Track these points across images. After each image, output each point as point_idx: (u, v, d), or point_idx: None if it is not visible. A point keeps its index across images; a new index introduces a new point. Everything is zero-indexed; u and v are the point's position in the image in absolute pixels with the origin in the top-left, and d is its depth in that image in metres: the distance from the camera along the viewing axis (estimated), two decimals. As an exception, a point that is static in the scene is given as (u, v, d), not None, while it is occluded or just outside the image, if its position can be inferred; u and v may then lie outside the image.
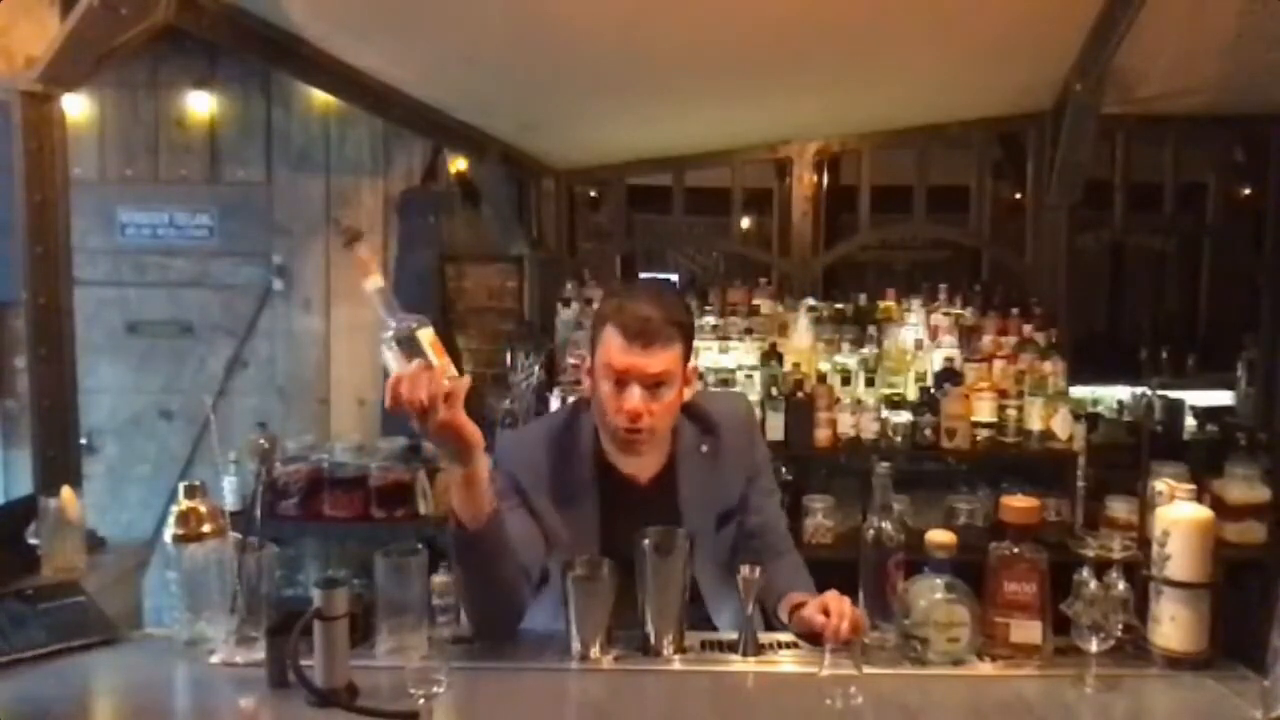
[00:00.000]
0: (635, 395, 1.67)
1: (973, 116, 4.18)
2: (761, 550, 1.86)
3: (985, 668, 1.63)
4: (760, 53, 3.09)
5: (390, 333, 1.39)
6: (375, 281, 1.42)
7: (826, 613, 1.60)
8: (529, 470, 1.78)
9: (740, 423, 1.91)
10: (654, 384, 1.68)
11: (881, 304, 4.01)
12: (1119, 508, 3.21)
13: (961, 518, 3.31)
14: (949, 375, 3.54)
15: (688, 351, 1.75)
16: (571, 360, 3.58)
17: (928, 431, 3.41)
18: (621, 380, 1.67)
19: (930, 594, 1.64)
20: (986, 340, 3.68)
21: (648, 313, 1.67)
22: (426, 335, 1.40)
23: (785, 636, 1.77)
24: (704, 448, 1.84)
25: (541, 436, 1.85)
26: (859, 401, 3.49)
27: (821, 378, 3.56)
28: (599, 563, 1.71)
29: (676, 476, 1.82)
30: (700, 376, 1.84)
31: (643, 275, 5.61)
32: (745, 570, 1.68)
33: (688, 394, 1.78)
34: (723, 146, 4.42)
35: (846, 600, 1.63)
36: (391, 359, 1.39)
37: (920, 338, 3.76)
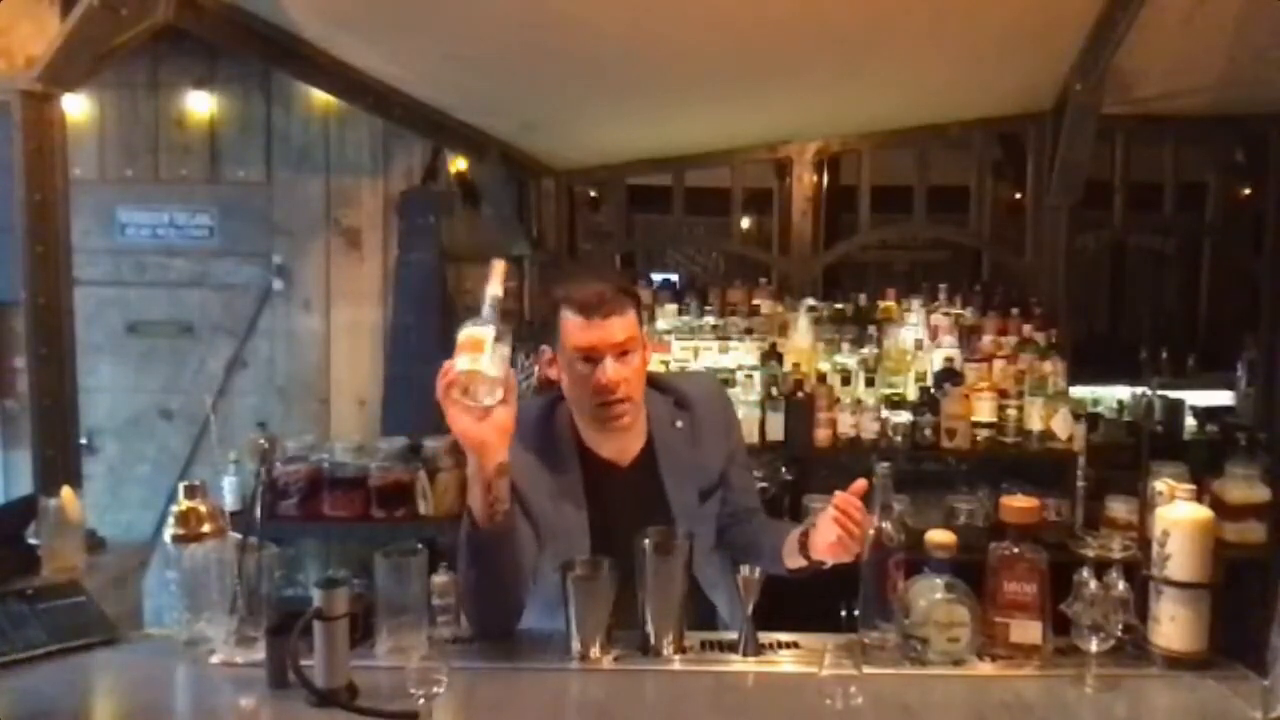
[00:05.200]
0: (609, 367, 1.70)
1: (973, 116, 4.18)
2: (750, 523, 1.91)
3: (985, 668, 1.63)
4: (760, 53, 3.09)
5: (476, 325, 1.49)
6: (496, 289, 1.54)
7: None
8: (519, 465, 1.73)
9: (713, 398, 1.96)
10: (621, 352, 1.71)
11: (881, 304, 4.01)
12: (1119, 508, 3.21)
13: (961, 518, 3.31)
14: (949, 375, 3.54)
15: (640, 317, 1.80)
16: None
17: (928, 431, 3.41)
18: (591, 358, 1.70)
19: (930, 594, 1.64)
20: (986, 340, 3.68)
21: (597, 286, 1.72)
22: (504, 350, 1.49)
23: (785, 636, 1.77)
24: (679, 423, 1.87)
25: (523, 432, 1.78)
26: (859, 401, 3.49)
27: (821, 378, 3.56)
28: (599, 563, 1.71)
29: (656, 455, 1.85)
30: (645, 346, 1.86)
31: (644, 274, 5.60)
32: (745, 570, 1.68)
33: (648, 356, 1.83)
34: (723, 146, 4.42)
35: (851, 504, 1.62)
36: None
37: (920, 338, 3.76)
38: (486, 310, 1.51)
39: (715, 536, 1.91)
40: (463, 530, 1.62)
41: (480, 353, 1.47)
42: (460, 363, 1.46)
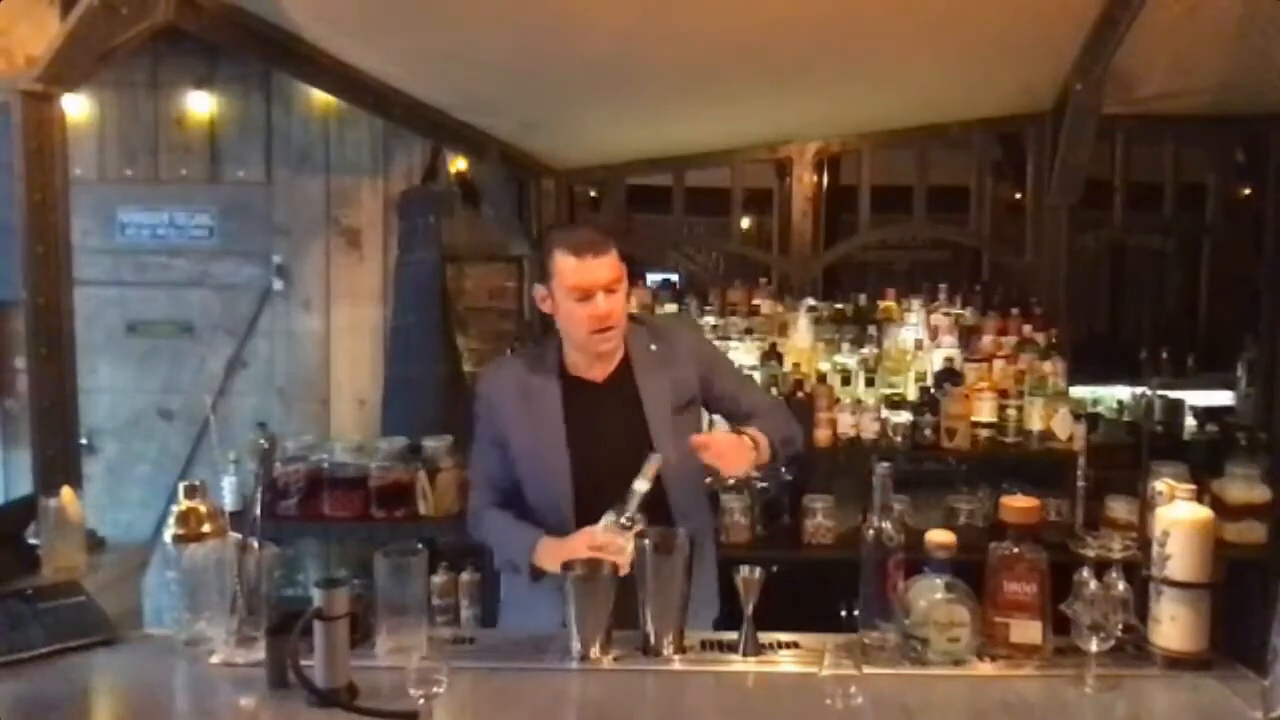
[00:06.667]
0: (601, 301, 1.92)
1: (973, 116, 4.18)
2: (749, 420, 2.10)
3: (985, 668, 1.63)
4: (760, 53, 3.08)
5: (620, 518, 1.79)
6: (644, 486, 1.80)
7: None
8: (500, 388, 2.07)
9: (685, 331, 2.25)
10: (610, 288, 1.93)
11: (881, 304, 4.01)
12: (1119, 508, 3.21)
13: (961, 518, 3.31)
14: (949, 375, 3.54)
15: (620, 254, 2.00)
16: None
17: (928, 431, 3.41)
18: (586, 293, 1.91)
19: (930, 594, 1.64)
20: (986, 340, 3.68)
21: (585, 230, 2.02)
22: (631, 536, 1.78)
23: (785, 636, 1.77)
24: (653, 347, 2.08)
25: (514, 360, 2.21)
26: (859, 401, 3.49)
27: (821, 378, 3.56)
28: (599, 564, 1.71)
29: (633, 370, 2.05)
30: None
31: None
32: (745, 570, 1.68)
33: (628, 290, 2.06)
34: (723, 146, 4.42)
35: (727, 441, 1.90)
36: (608, 526, 1.79)
37: (920, 338, 3.76)
38: (633, 505, 1.79)
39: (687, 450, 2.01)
40: (513, 560, 1.98)
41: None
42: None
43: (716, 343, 3.72)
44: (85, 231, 3.96)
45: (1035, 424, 3.38)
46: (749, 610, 1.68)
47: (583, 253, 1.91)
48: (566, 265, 1.92)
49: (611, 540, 1.78)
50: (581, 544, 1.81)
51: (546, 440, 1.99)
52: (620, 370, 2.05)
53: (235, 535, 1.69)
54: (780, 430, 2.07)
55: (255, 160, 4.38)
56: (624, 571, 1.74)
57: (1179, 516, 1.63)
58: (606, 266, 1.92)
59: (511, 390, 2.04)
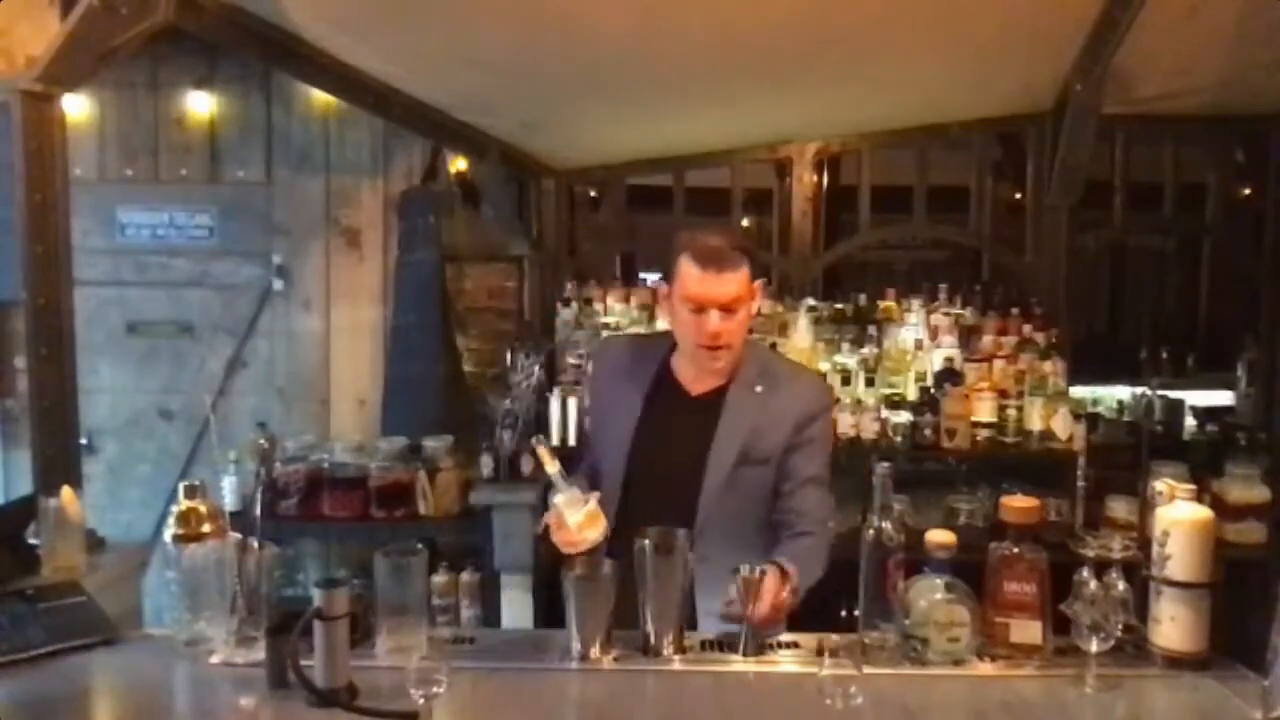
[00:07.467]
0: (714, 319, 1.82)
1: (973, 116, 4.18)
2: (784, 526, 1.93)
3: (985, 668, 1.63)
4: (760, 53, 3.08)
5: (560, 502, 1.78)
6: (553, 467, 1.79)
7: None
8: (602, 365, 2.13)
9: (805, 393, 1.98)
10: (728, 308, 1.83)
11: (881, 304, 4.02)
12: (1119, 508, 3.21)
13: (961, 518, 3.31)
14: (949, 375, 3.54)
15: (753, 274, 1.89)
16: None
17: (928, 431, 3.41)
18: (700, 307, 1.83)
19: (930, 594, 1.64)
20: (986, 340, 3.68)
21: (717, 241, 1.85)
22: (590, 508, 1.77)
23: (785, 636, 1.77)
24: (758, 389, 1.94)
25: (629, 343, 2.28)
26: (859, 401, 3.49)
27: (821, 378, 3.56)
28: (599, 563, 1.71)
29: (725, 399, 1.94)
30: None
31: (643, 275, 5.61)
32: (745, 570, 1.68)
33: (754, 308, 1.94)
34: (723, 146, 4.41)
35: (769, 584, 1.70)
36: (560, 502, 1.77)
37: (920, 338, 3.76)
38: (561, 484, 1.79)
39: (733, 509, 1.90)
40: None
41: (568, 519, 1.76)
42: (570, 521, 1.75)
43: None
44: (85, 231, 3.95)
45: (1035, 424, 3.38)
46: (749, 610, 1.68)
47: (707, 264, 1.81)
48: (690, 274, 1.83)
49: (561, 518, 1.75)
50: (551, 522, 1.78)
51: (615, 434, 1.95)
52: (714, 395, 1.94)
53: (235, 535, 1.69)
54: (810, 575, 1.82)
55: (255, 160, 4.38)
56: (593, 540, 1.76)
57: (1179, 516, 1.63)
58: (730, 283, 1.81)
59: (608, 371, 2.04)
